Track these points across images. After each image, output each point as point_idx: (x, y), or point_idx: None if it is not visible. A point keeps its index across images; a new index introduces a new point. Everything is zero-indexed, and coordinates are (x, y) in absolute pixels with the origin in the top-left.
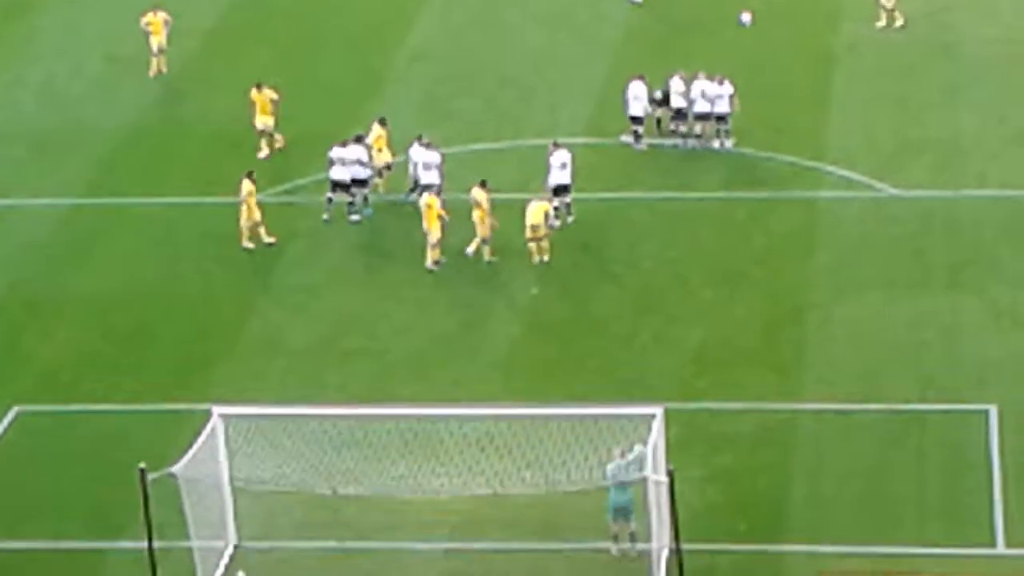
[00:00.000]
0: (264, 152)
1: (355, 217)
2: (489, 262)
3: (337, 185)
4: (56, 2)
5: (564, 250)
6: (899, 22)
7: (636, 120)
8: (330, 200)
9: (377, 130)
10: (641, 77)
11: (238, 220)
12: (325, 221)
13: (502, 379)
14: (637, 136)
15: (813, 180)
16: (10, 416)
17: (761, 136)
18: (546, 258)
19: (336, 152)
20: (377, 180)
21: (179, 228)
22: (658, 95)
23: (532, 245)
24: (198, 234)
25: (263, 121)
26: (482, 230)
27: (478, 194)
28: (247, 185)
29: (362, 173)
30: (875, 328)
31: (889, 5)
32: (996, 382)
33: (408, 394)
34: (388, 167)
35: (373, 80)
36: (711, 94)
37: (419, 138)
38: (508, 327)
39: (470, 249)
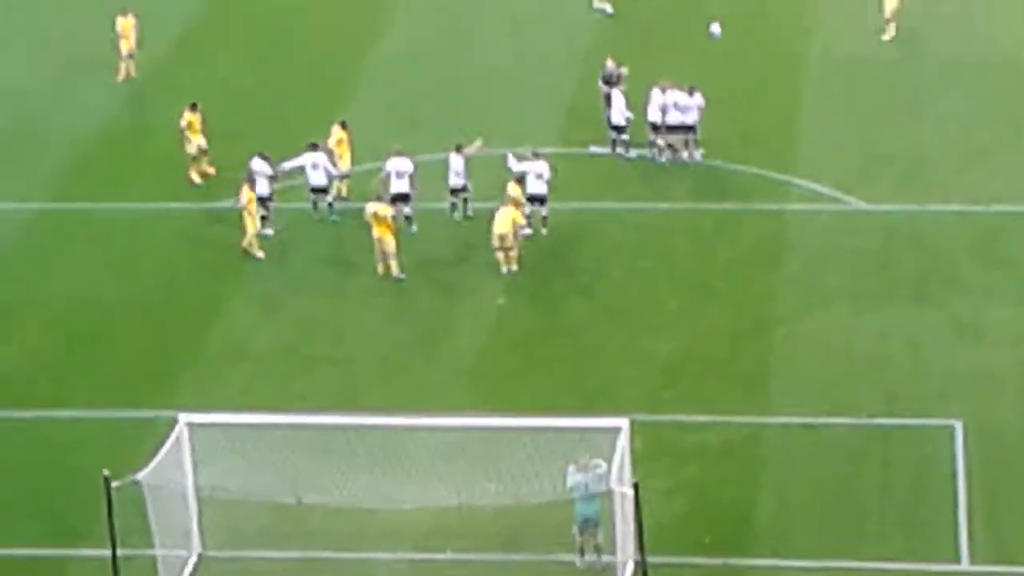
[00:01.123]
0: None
1: (268, 231)
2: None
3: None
4: (18, 3)
5: (533, 260)
6: (888, 35)
7: (618, 129)
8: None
9: (337, 132)
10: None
11: (244, 229)
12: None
13: (468, 388)
14: (625, 145)
15: (781, 192)
16: None
17: (730, 148)
18: (514, 267)
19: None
20: (339, 184)
21: (144, 234)
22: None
23: (500, 254)
24: (164, 240)
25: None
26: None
27: (512, 188)
28: (247, 192)
29: (320, 180)
30: (841, 341)
31: (887, 15)
32: (961, 397)
33: (374, 402)
34: (345, 176)
35: (342, 87)
36: (681, 104)
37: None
38: (475, 336)
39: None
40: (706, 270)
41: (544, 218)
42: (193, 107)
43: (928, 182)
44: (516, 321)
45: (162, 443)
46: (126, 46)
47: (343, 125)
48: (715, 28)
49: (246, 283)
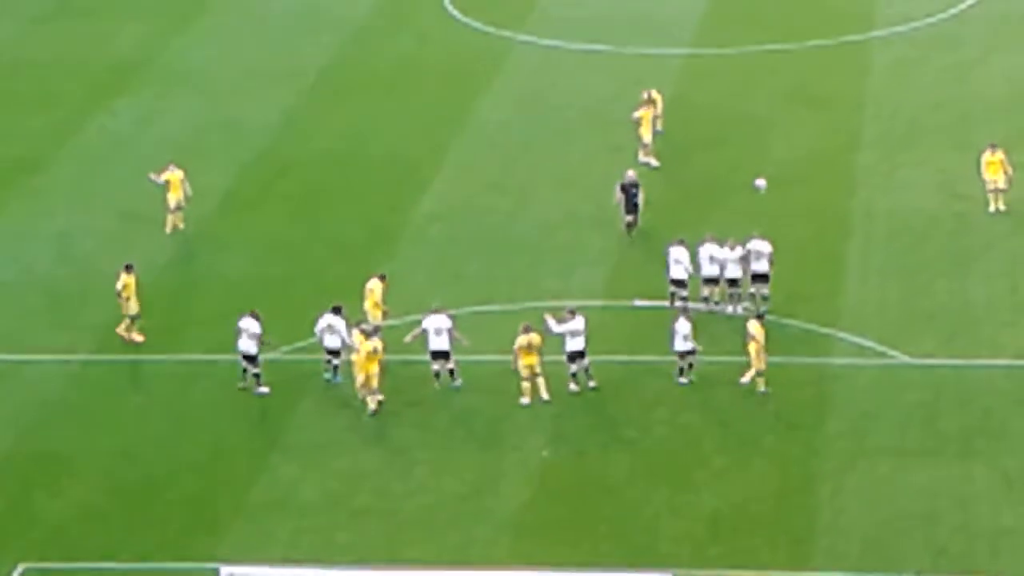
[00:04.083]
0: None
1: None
2: (764, 392)
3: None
4: (68, 157)
5: (576, 413)
6: (1000, 205)
7: (678, 283)
8: (329, 362)
9: (376, 285)
10: (682, 241)
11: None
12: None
13: (512, 542)
14: (683, 299)
15: (825, 346)
16: (16, 574)
17: (775, 301)
18: (545, 396)
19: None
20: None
21: (191, 385)
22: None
23: (526, 384)
24: (209, 392)
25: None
26: (757, 362)
27: (754, 327)
28: (358, 336)
29: (334, 343)
30: (887, 496)
31: (1001, 186)
32: (1009, 552)
33: (418, 555)
34: (376, 329)
35: (386, 239)
36: (720, 258)
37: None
38: (519, 489)
39: (745, 379)
40: (752, 425)
41: (587, 369)
42: (128, 269)
43: (974, 336)
44: (560, 475)
45: None
46: (174, 199)
47: (382, 278)
48: (760, 182)
49: (290, 435)
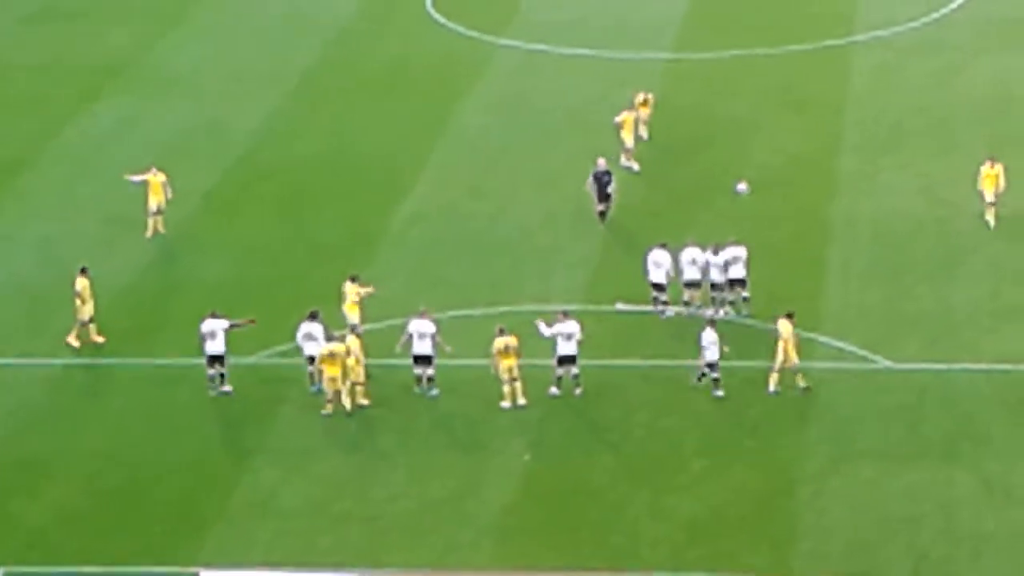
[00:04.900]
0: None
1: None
2: (805, 388)
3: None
4: (52, 160)
5: (558, 417)
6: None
7: (658, 287)
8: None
9: (349, 287)
10: (663, 245)
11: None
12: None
13: (494, 546)
14: (663, 303)
15: (807, 351)
16: None
17: (756, 305)
18: (521, 401)
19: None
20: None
21: (171, 389)
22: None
23: (507, 388)
24: (190, 396)
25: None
26: (788, 361)
27: (783, 326)
28: (353, 341)
29: (314, 350)
30: (868, 501)
31: (991, 200)
32: (991, 558)
33: (399, 560)
34: (354, 328)
35: (367, 242)
36: (701, 262)
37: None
38: (501, 493)
39: (771, 387)
40: (732, 428)
41: (575, 377)
42: (83, 272)
43: (957, 340)
44: (541, 479)
45: None
46: (155, 202)
47: (353, 279)
48: (741, 186)
49: (271, 439)
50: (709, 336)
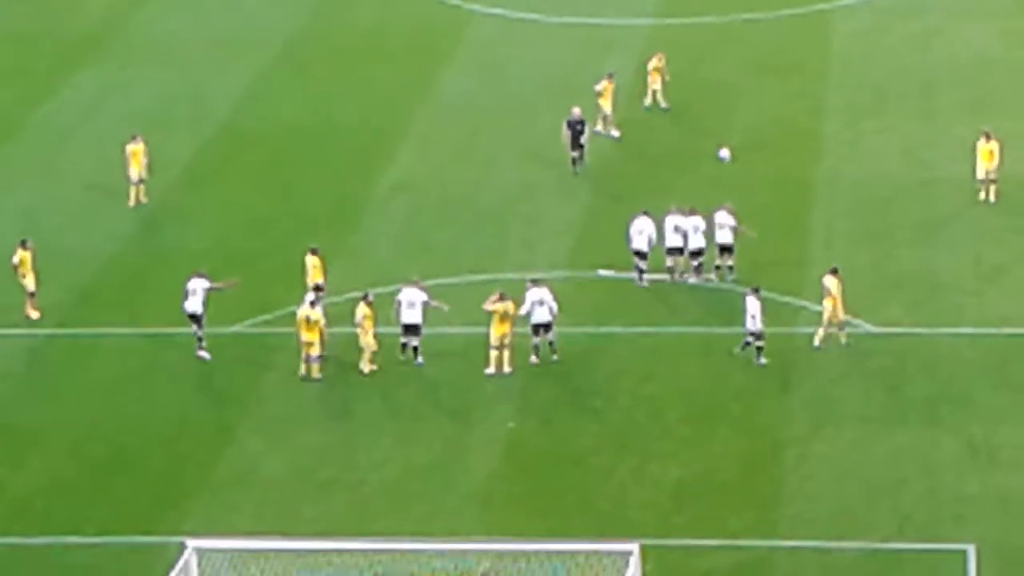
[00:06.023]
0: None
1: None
2: (846, 344)
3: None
4: (33, 129)
5: (542, 384)
6: (990, 196)
7: (640, 255)
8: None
9: (310, 259)
10: (646, 212)
11: (360, 347)
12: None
13: (479, 513)
14: (640, 271)
15: (790, 315)
16: None
17: (740, 271)
18: (507, 369)
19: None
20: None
21: (155, 359)
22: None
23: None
24: (174, 365)
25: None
26: (835, 316)
27: (830, 282)
28: (363, 309)
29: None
30: (852, 464)
31: (992, 176)
32: (974, 520)
33: (384, 527)
34: (318, 288)
35: (351, 211)
36: (683, 228)
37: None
38: (486, 460)
39: (817, 341)
40: (717, 394)
41: (551, 343)
42: (23, 244)
43: (939, 304)
44: (526, 446)
45: (171, 569)
46: (135, 172)
47: (314, 251)
48: (723, 152)
49: (256, 408)
50: (753, 304)
